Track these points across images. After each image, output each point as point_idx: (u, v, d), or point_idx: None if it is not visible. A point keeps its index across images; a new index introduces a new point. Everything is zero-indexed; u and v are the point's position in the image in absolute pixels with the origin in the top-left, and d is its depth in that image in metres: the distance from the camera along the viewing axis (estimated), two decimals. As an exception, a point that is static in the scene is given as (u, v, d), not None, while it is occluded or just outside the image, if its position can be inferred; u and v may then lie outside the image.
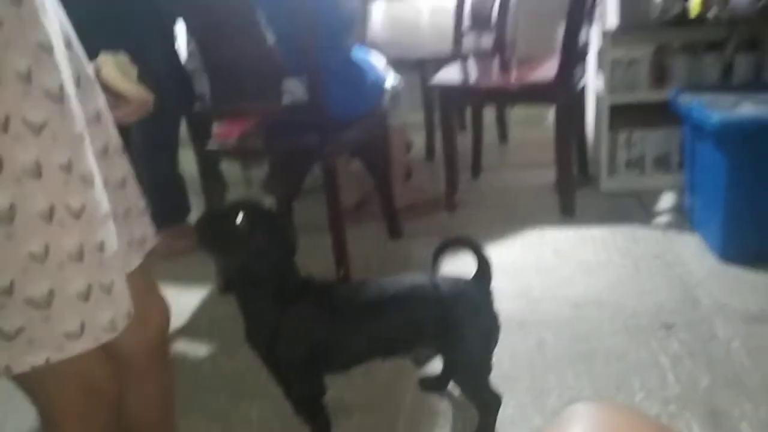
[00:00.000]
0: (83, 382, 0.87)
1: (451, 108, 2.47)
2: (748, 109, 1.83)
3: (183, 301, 2.05)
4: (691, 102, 1.95)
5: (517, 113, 3.59)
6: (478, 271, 1.27)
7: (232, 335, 1.78)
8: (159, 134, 2.30)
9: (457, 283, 1.26)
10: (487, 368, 1.26)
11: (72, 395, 0.87)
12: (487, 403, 1.28)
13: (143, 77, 2.21)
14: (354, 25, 2.02)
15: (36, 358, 0.78)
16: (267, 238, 1.19)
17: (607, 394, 1.38)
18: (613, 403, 0.50)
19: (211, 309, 1.98)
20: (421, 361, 1.45)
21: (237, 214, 1.18)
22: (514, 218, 2.33)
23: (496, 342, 1.27)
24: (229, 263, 1.23)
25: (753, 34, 2.29)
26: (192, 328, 1.88)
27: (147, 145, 2.30)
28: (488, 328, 1.26)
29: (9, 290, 0.74)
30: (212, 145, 1.98)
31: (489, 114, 3.07)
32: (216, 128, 2.23)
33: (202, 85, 2.26)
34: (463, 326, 1.23)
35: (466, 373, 1.29)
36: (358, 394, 1.48)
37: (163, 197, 2.39)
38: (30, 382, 0.84)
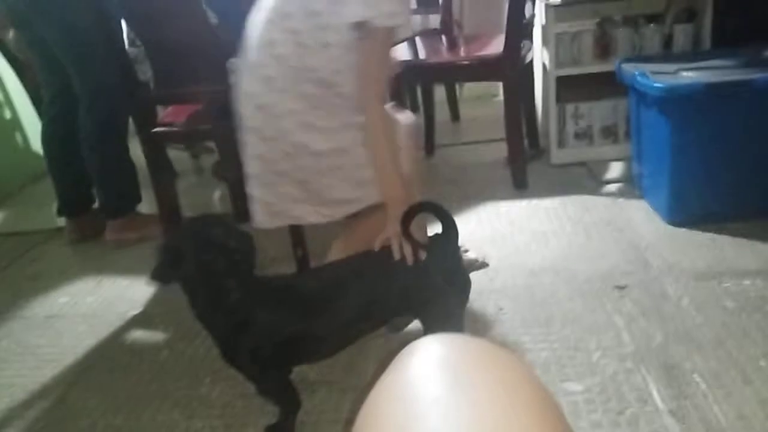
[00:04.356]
0: None
1: (401, 87, 2.46)
2: (688, 75, 1.88)
3: (138, 289, 2.00)
4: (634, 72, 2.00)
5: (467, 92, 3.62)
6: (443, 231, 1.26)
7: (188, 322, 1.75)
8: (107, 123, 2.23)
9: (429, 246, 1.25)
10: (459, 327, 1.26)
11: None
12: None
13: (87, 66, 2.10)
14: None
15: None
16: (225, 257, 1.15)
17: (565, 355, 1.41)
18: (457, 335, 0.50)
19: (166, 298, 1.93)
20: (398, 328, 1.46)
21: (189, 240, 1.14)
22: (469, 193, 2.35)
23: (467, 299, 1.29)
24: (193, 289, 1.18)
25: (689, 6, 2.36)
26: (148, 317, 1.84)
27: (96, 135, 2.23)
28: (461, 286, 1.27)
29: None
30: (158, 129, 1.93)
31: (440, 94, 3.09)
32: (162, 113, 2.18)
33: (145, 71, 2.20)
34: (441, 288, 1.22)
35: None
36: (321, 371, 1.47)
37: (114, 186, 2.32)
38: None
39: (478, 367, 0.45)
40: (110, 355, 1.68)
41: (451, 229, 1.25)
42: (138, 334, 1.76)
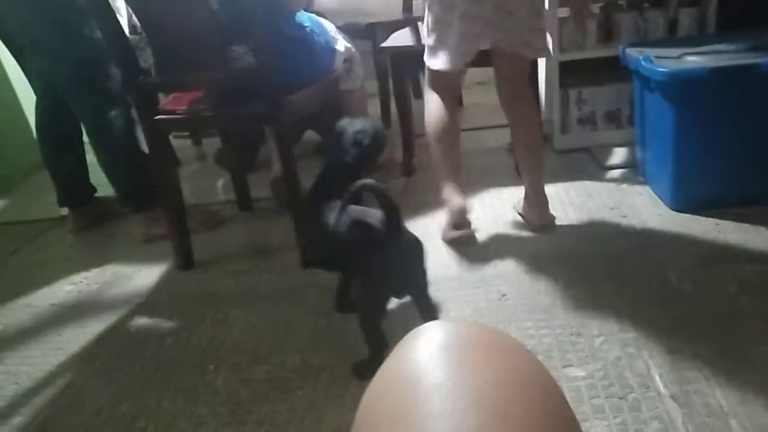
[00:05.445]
0: None
1: (403, 72, 2.46)
2: (693, 60, 1.87)
3: (141, 278, 2.01)
4: (638, 56, 1.98)
5: (469, 78, 3.59)
6: (384, 212, 1.34)
7: (192, 310, 1.77)
8: (100, 118, 2.20)
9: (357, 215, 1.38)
10: (385, 295, 1.38)
11: None
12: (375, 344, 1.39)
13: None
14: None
15: None
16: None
17: (567, 341, 1.42)
18: (462, 320, 0.50)
19: (169, 286, 1.95)
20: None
21: None
22: (472, 179, 2.34)
23: (419, 265, 1.40)
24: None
25: (694, -12, 2.34)
26: (152, 305, 1.85)
27: (93, 130, 2.21)
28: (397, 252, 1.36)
29: None
30: (160, 116, 1.92)
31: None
32: (163, 101, 2.18)
33: (147, 59, 2.19)
34: (366, 254, 1.35)
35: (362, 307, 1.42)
36: (325, 357, 1.49)
37: (129, 181, 2.27)
38: None
39: (481, 352, 0.45)
40: (115, 343, 1.69)
41: (391, 212, 1.33)
42: (142, 322, 1.77)
